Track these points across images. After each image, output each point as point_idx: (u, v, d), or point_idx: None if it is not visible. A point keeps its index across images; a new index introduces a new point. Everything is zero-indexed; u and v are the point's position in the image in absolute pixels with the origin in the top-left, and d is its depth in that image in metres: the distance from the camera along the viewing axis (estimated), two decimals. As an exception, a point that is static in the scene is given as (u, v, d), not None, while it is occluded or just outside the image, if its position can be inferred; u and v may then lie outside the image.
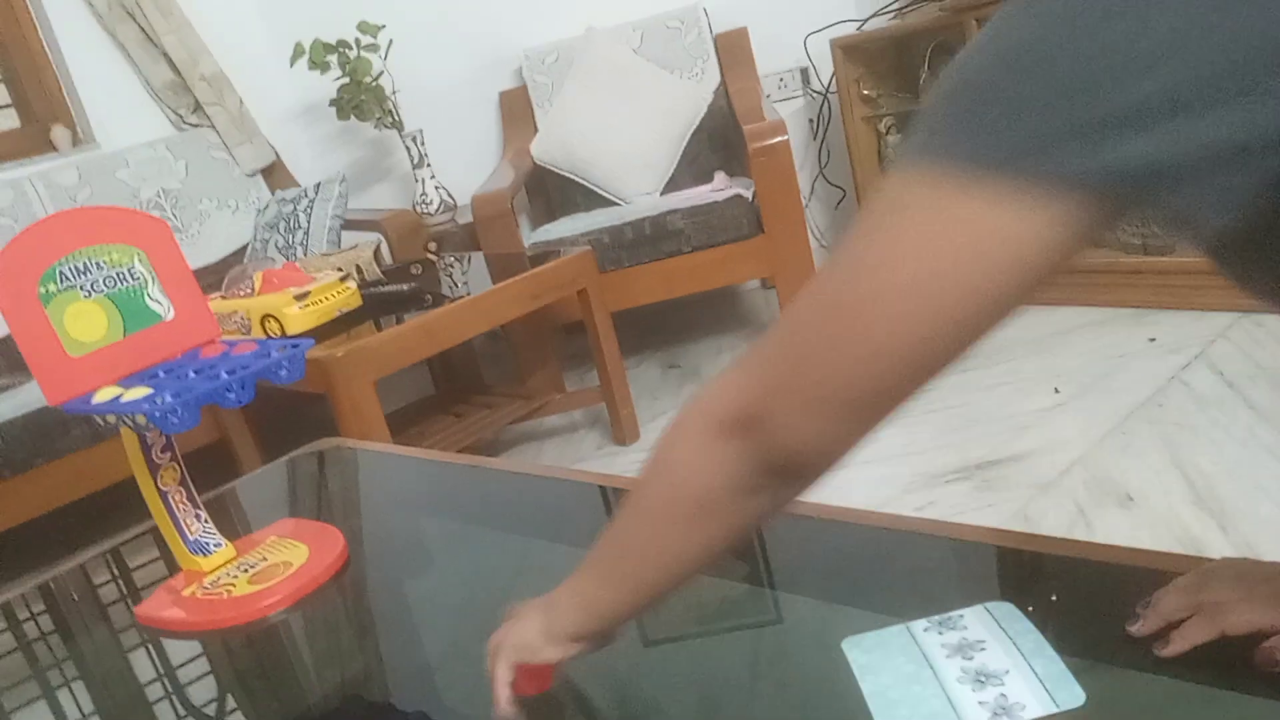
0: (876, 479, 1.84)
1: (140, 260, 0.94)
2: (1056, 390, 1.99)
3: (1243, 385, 1.82)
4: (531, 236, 2.70)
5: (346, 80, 2.85)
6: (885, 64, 2.85)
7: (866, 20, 2.90)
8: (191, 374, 0.90)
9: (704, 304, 3.17)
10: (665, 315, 3.03)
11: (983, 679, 0.56)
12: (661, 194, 2.84)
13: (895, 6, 2.87)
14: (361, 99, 2.85)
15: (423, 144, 2.93)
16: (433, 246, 2.33)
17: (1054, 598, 0.69)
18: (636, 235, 2.46)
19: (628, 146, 2.85)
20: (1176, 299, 2.24)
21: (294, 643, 0.91)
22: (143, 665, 0.94)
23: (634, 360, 2.82)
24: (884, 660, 0.59)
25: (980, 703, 0.54)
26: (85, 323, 0.90)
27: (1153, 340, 2.11)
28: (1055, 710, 0.53)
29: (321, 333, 1.84)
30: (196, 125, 2.94)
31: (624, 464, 2.19)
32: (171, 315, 0.95)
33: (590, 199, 2.88)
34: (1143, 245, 2.37)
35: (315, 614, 0.91)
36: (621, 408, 2.25)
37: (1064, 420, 1.87)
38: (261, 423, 2.35)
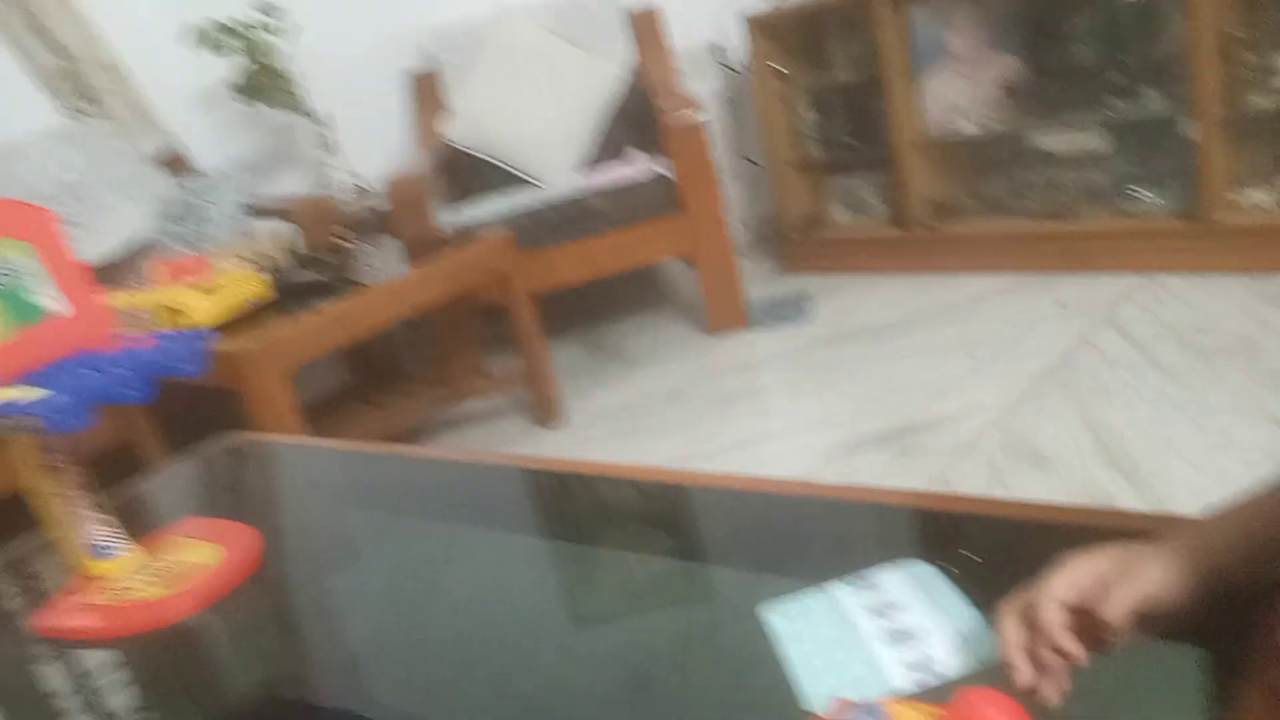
0: (797, 449, 1.87)
1: (25, 253, 0.89)
2: (971, 357, 2.04)
3: (1150, 345, 1.89)
4: (451, 219, 2.66)
5: (248, 63, 2.75)
6: (799, 40, 2.87)
7: (777, -4, 2.91)
8: (86, 371, 0.86)
9: (626, 283, 3.16)
10: (587, 295, 3.01)
11: (903, 638, 0.57)
12: (579, 174, 2.81)
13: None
14: (264, 82, 2.76)
15: (331, 127, 2.85)
16: (345, 233, 2.27)
17: (971, 556, 0.70)
18: (555, 216, 2.44)
19: (543, 126, 2.81)
20: (1082, 262, 2.31)
21: (209, 646, 0.88)
22: (45, 678, 0.90)
23: (557, 341, 2.80)
24: (806, 625, 0.59)
25: (902, 662, 0.55)
26: (-33, 322, 0.85)
27: (1061, 304, 2.17)
28: (976, 666, 0.54)
29: (230, 325, 1.77)
30: (92, 114, 2.80)
31: (549, 447, 2.17)
32: (63, 311, 0.90)
33: (506, 180, 2.84)
34: (1048, 211, 2.44)
35: (230, 615, 0.88)
36: (545, 390, 2.23)
37: (978, 385, 1.92)
38: (173, 421, 2.27)
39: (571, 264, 2.47)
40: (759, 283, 2.90)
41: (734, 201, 3.21)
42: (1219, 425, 1.56)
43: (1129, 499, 1.44)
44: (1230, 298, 2.00)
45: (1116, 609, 0.50)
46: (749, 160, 3.18)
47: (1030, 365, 1.93)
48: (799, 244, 2.97)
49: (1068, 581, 0.51)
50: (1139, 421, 1.63)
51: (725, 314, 2.57)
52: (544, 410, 2.25)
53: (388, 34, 3.03)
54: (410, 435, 2.36)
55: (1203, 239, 2.14)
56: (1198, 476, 1.44)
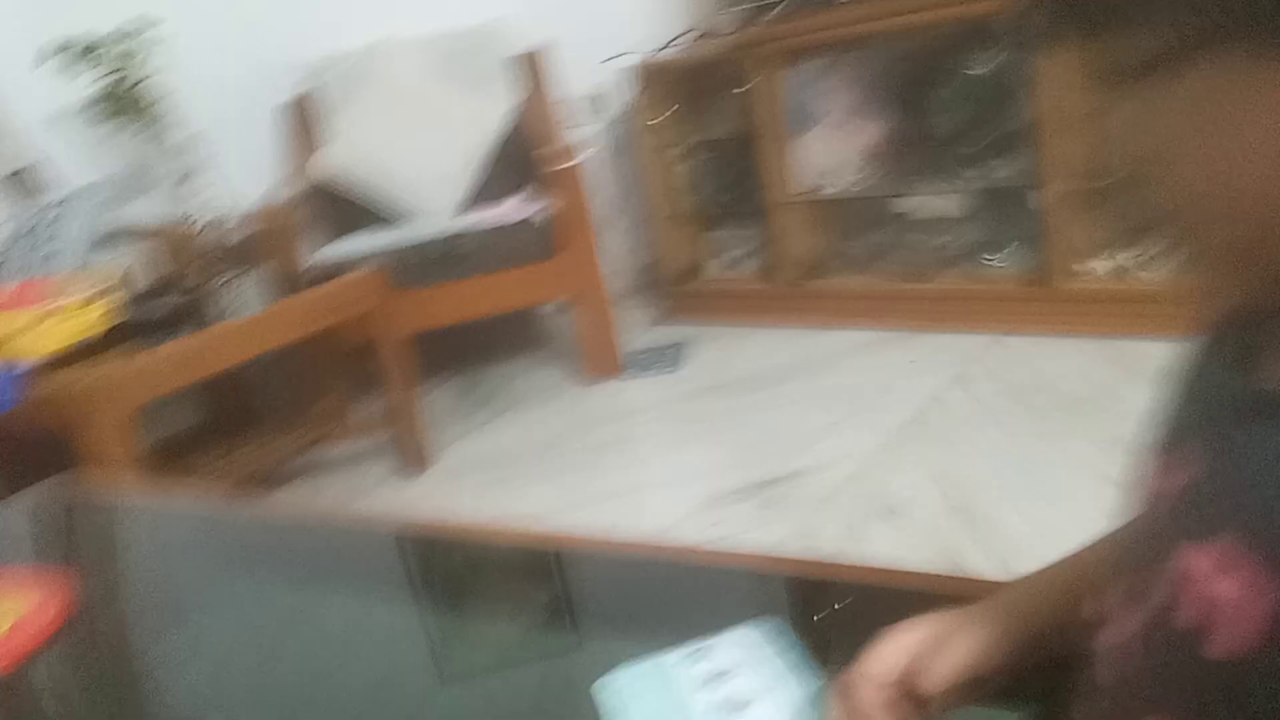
0: (664, 500, 1.87)
1: None
2: (832, 410, 2.10)
3: (994, 402, 1.98)
4: (320, 254, 2.58)
5: (110, 81, 2.63)
6: (678, 93, 2.93)
7: (666, 46, 2.97)
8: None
9: (504, 326, 3.13)
10: (464, 337, 2.97)
11: (740, 707, 0.56)
12: (458, 214, 2.78)
13: (694, 33, 2.96)
14: (126, 103, 2.64)
15: (198, 152, 2.74)
16: (205, 263, 2.18)
17: (819, 616, 0.71)
18: (430, 255, 2.41)
19: (423, 164, 2.78)
20: (937, 321, 2.42)
21: (8, 710, 0.81)
22: None
23: (430, 384, 2.75)
24: (640, 699, 0.59)
25: (731, 731, 0.55)
26: None
27: (914, 361, 2.26)
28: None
29: (70, 357, 1.67)
30: (-75, 124, 2.61)
31: (415, 493, 2.12)
32: None
33: (383, 216, 2.79)
34: (908, 271, 2.55)
35: (34, 677, 0.82)
36: (412, 435, 2.18)
37: (838, 438, 1.97)
38: (11, 461, 2.10)
39: (447, 305, 2.43)
40: (636, 330, 2.92)
41: (614, 248, 3.23)
42: (1056, 480, 1.64)
43: (972, 550, 1.50)
44: (1072, 359, 2.12)
45: (935, 680, 0.51)
46: (627, 207, 3.22)
47: (886, 419, 1.99)
48: (676, 293, 3.01)
49: (886, 657, 0.52)
50: (983, 476, 1.70)
51: (601, 361, 2.58)
52: (411, 456, 2.19)
53: (265, 59, 2.95)
54: (269, 479, 2.26)
55: (1049, 302, 2.27)
56: (1035, 530, 1.51)
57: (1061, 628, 0.53)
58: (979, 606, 0.55)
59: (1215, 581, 0.35)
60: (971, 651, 0.52)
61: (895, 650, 0.53)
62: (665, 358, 2.65)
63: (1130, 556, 0.45)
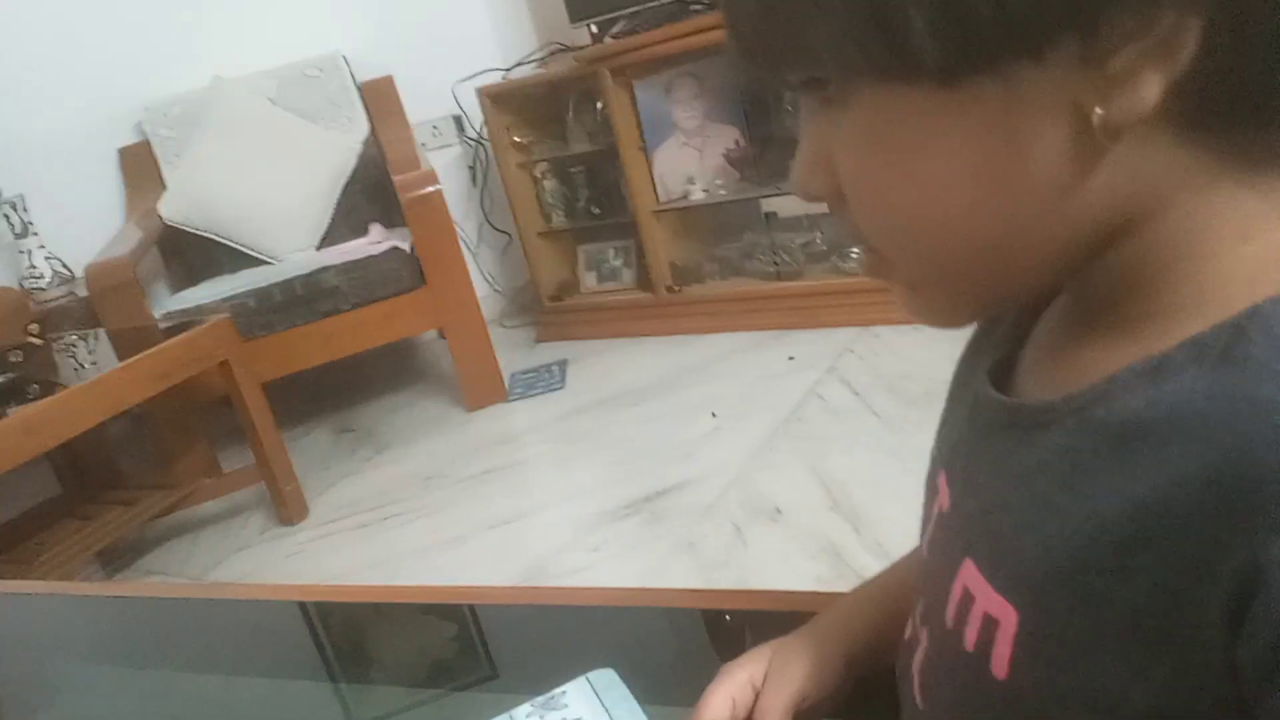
0: (548, 524, 1.84)
1: None
2: (714, 415, 2.10)
3: (867, 394, 2.02)
4: (168, 305, 2.46)
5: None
6: (534, 111, 2.90)
7: (510, 69, 2.94)
8: None
9: (379, 361, 3.05)
10: (336, 376, 2.88)
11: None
12: (316, 250, 2.70)
13: (537, 56, 2.95)
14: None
15: (24, 210, 2.58)
16: (35, 328, 2.04)
17: (664, 655, 0.69)
18: (287, 296, 2.32)
19: (273, 201, 2.68)
20: (809, 318, 2.45)
21: None
22: None
23: (302, 429, 2.65)
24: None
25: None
26: None
27: (791, 359, 2.29)
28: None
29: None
30: None
31: (292, 545, 2.03)
32: None
33: (236, 259, 2.68)
34: (776, 272, 2.58)
35: None
36: (284, 484, 2.09)
37: (720, 444, 1.97)
38: None
39: (310, 346, 2.34)
40: (516, 353, 2.87)
41: (487, 271, 3.19)
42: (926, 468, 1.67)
43: (854, 545, 1.51)
44: (940, 344, 2.16)
45: (774, 713, 0.50)
46: (498, 229, 3.17)
47: (765, 420, 2.01)
48: (553, 312, 2.98)
49: (720, 696, 0.51)
50: (859, 468, 1.73)
51: (481, 387, 2.52)
52: (284, 506, 2.10)
53: (96, 108, 2.80)
54: (133, 547, 2.14)
55: (911, 291, 2.33)
56: (912, 520, 1.53)
57: (878, 648, 0.53)
58: (803, 632, 0.54)
59: (988, 602, 0.35)
60: (804, 676, 0.51)
61: (733, 684, 0.52)
62: (548, 377, 2.62)
63: (924, 575, 0.44)
